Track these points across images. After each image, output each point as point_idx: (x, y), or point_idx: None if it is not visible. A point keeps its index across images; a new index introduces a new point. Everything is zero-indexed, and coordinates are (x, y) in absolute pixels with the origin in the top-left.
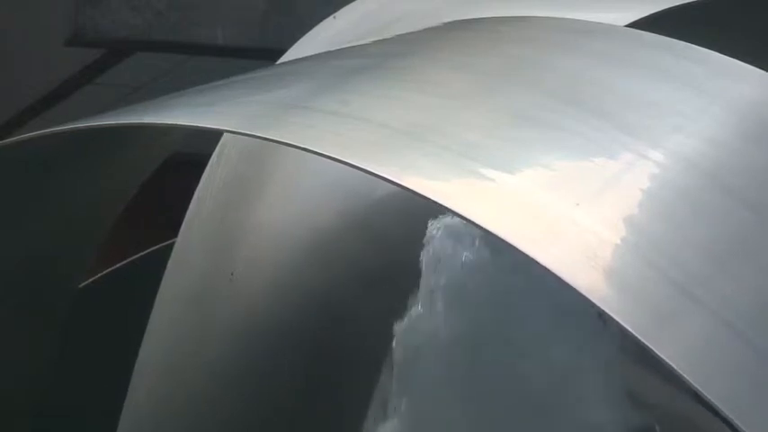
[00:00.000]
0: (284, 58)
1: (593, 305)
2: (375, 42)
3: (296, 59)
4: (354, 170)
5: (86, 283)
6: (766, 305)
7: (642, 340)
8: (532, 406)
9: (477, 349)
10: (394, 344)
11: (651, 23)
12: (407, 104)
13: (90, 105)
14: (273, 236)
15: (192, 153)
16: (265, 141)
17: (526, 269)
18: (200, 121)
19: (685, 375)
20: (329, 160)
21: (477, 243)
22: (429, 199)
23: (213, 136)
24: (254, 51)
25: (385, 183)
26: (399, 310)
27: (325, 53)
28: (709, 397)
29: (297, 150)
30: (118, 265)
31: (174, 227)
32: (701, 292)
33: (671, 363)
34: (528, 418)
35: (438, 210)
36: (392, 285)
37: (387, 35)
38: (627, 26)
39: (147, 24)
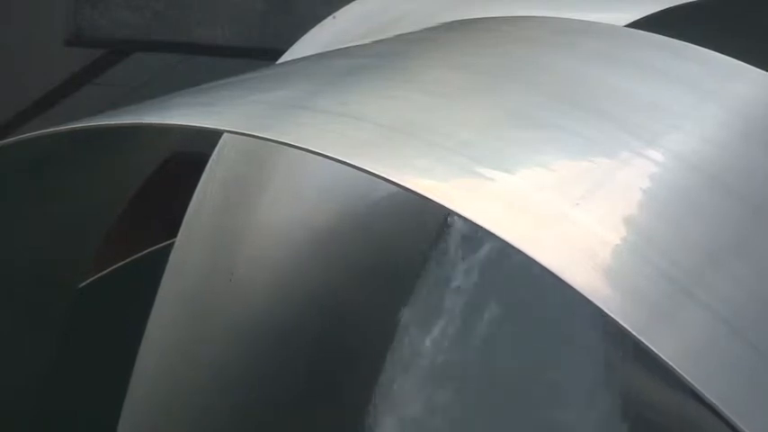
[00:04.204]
0: (284, 58)
1: (592, 304)
2: (375, 42)
3: (296, 59)
4: (354, 170)
5: (86, 283)
6: (766, 305)
7: (641, 340)
8: (532, 407)
9: (477, 350)
10: (394, 343)
11: (651, 23)
12: (407, 104)
13: (90, 105)
14: (273, 235)
15: (192, 153)
16: (265, 141)
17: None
18: (200, 121)
19: (684, 375)
20: (329, 160)
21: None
22: (429, 199)
23: (213, 136)
24: (253, 51)
25: (384, 182)
26: (399, 309)
27: (325, 53)
28: (708, 396)
29: (296, 150)
30: (118, 265)
31: (174, 227)
32: (700, 291)
33: (670, 362)
34: (527, 418)
35: (438, 210)
36: (392, 285)
37: (387, 35)
38: (627, 26)
39: (146, 24)
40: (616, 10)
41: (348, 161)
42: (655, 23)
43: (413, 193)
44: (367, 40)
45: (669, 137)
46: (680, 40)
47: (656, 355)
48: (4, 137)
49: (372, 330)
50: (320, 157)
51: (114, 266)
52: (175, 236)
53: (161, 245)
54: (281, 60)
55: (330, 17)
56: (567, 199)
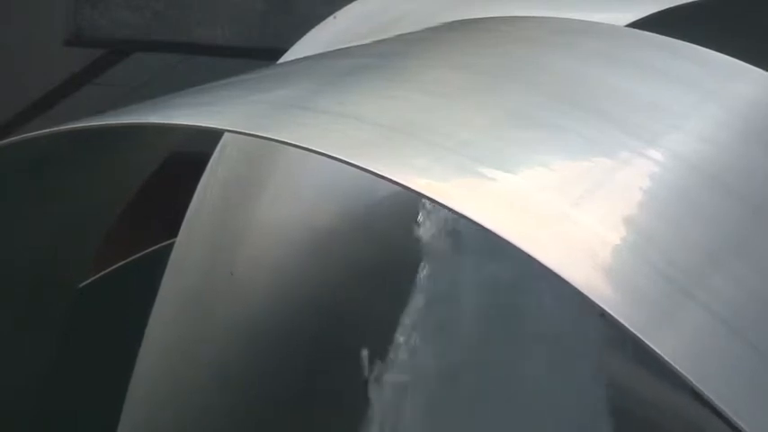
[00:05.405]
0: (284, 58)
1: (592, 304)
2: (375, 42)
3: (296, 59)
4: (354, 169)
5: (86, 283)
6: (766, 305)
7: (642, 339)
8: (531, 406)
9: (474, 352)
10: (393, 345)
11: (651, 23)
12: (407, 104)
13: (90, 105)
14: (273, 235)
15: (192, 153)
16: (265, 141)
17: (524, 268)
18: (200, 121)
19: (685, 374)
20: (329, 160)
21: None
22: (430, 198)
23: (213, 136)
24: (253, 51)
25: (385, 182)
26: (398, 309)
27: (326, 53)
28: (708, 395)
29: (296, 150)
30: (118, 265)
31: (174, 227)
32: (700, 291)
33: (670, 361)
34: (528, 419)
35: (438, 209)
36: (391, 285)
37: (387, 35)
38: (627, 26)
39: (146, 24)
40: (616, 10)
41: (348, 160)
42: (655, 23)
43: (413, 192)
44: (367, 40)
45: (669, 137)
46: (680, 40)
47: (657, 354)
48: (4, 137)
49: (371, 330)
50: (320, 157)
51: (114, 266)
52: (175, 236)
53: (161, 245)
54: (281, 60)
55: (331, 17)
56: (568, 199)
